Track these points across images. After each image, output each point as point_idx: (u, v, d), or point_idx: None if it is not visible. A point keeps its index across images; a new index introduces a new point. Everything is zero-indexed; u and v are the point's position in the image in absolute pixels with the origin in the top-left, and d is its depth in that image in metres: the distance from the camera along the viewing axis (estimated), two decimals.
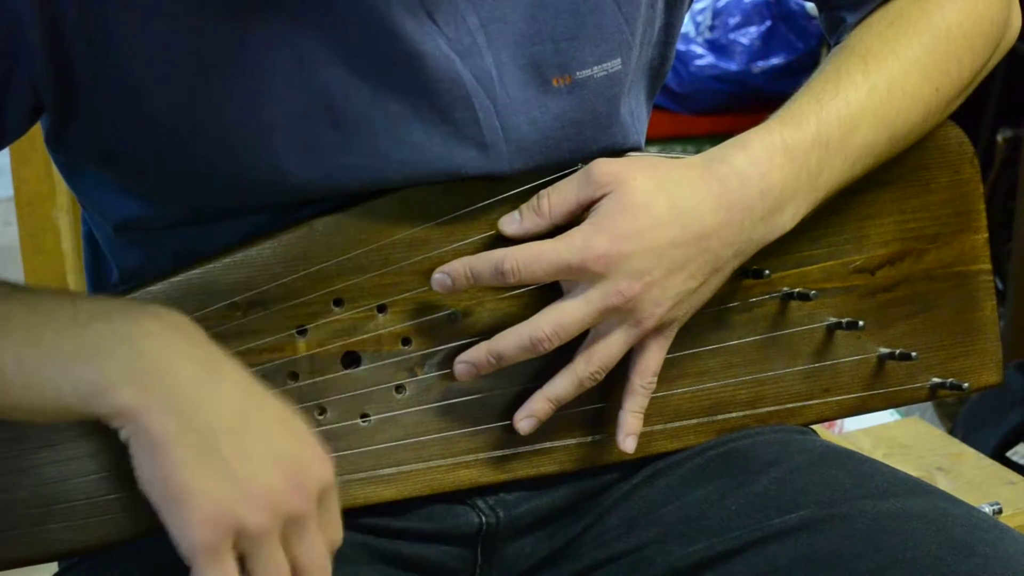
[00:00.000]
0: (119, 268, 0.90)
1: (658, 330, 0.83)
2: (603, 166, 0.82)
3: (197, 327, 0.74)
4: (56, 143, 0.84)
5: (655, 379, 0.85)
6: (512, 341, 0.81)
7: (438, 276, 0.82)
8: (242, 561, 0.69)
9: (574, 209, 0.82)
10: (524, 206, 0.83)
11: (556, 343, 0.81)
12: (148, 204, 0.84)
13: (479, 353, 0.82)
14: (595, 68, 0.85)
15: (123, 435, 0.70)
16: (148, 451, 0.69)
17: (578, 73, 0.84)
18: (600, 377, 0.83)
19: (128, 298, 0.79)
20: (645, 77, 0.92)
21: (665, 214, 0.81)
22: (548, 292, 0.83)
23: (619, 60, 0.86)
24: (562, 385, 0.83)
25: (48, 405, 0.70)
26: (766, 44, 3.17)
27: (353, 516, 0.84)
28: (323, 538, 0.72)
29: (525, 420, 0.84)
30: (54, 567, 0.86)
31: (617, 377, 0.85)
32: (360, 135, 0.80)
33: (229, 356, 0.74)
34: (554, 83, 0.84)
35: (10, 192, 1.85)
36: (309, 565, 0.71)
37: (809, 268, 0.92)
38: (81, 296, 0.75)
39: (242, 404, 0.71)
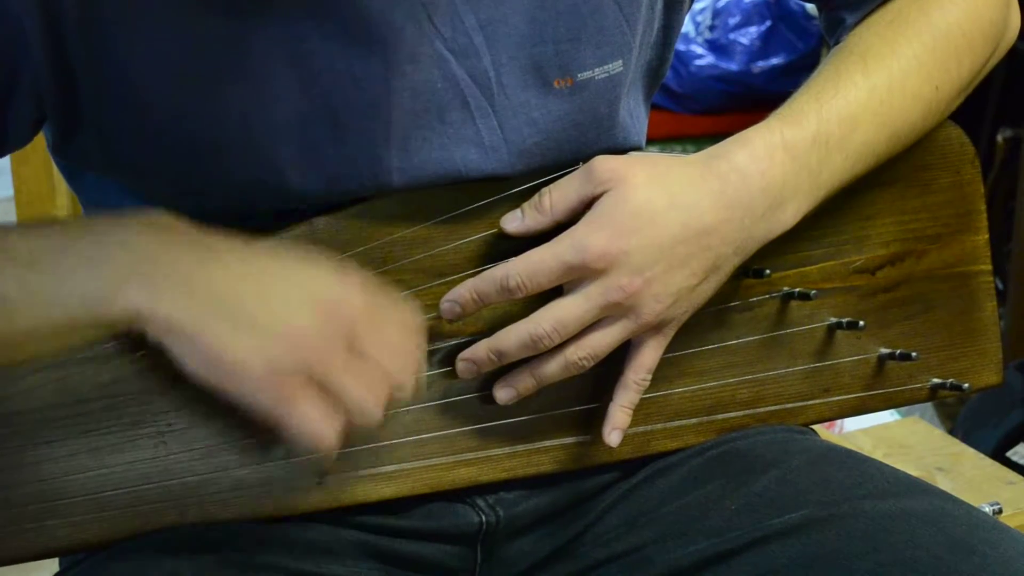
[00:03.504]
0: None
1: (657, 328, 0.83)
2: (604, 163, 0.82)
3: (184, 221, 0.75)
4: (60, 150, 0.84)
5: (649, 377, 0.85)
6: (513, 339, 0.81)
7: (446, 305, 0.82)
8: (327, 392, 0.72)
9: (575, 206, 0.82)
10: (526, 204, 0.84)
11: (557, 340, 0.81)
12: (150, 207, 0.84)
13: (480, 351, 0.82)
14: (596, 70, 0.85)
15: (151, 336, 0.71)
16: (182, 341, 0.71)
17: (579, 75, 0.85)
18: (588, 365, 0.83)
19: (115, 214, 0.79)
20: (644, 78, 0.92)
21: (665, 211, 0.81)
22: (548, 289, 0.83)
23: (620, 61, 0.86)
24: (550, 365, 0.83)
25: (59, 325, 0.71)
26: (766, 44, 3.18)
27: (353, 514, 0.84)
28: (388, 337, 0.74)
29: (504, 389, 0.84)
30: (55, 565, 0.86)
31: (619, 377, 0.85)
32: (360, 140, 0.80)
33: (221, 235, 0.75)
34: (555, 85, 0.84)
35: (10, 192, 1.85)
36: (386, 366, 0.74)
37: (809, 268, 0.93)
38: (68, 218, 0.76)
39: (248, 265, 0.73)
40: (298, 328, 0.71)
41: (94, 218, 0.76)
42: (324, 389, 0.72)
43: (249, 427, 0.79)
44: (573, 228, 0.81)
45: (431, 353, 0.84)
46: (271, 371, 0.71)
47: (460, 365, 0.83)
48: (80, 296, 0.70)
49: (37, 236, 0.73)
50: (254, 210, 0.82)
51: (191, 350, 0.71)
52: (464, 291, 0.82)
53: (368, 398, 0.73)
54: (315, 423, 0.72)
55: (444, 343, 0.84)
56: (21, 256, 0.72)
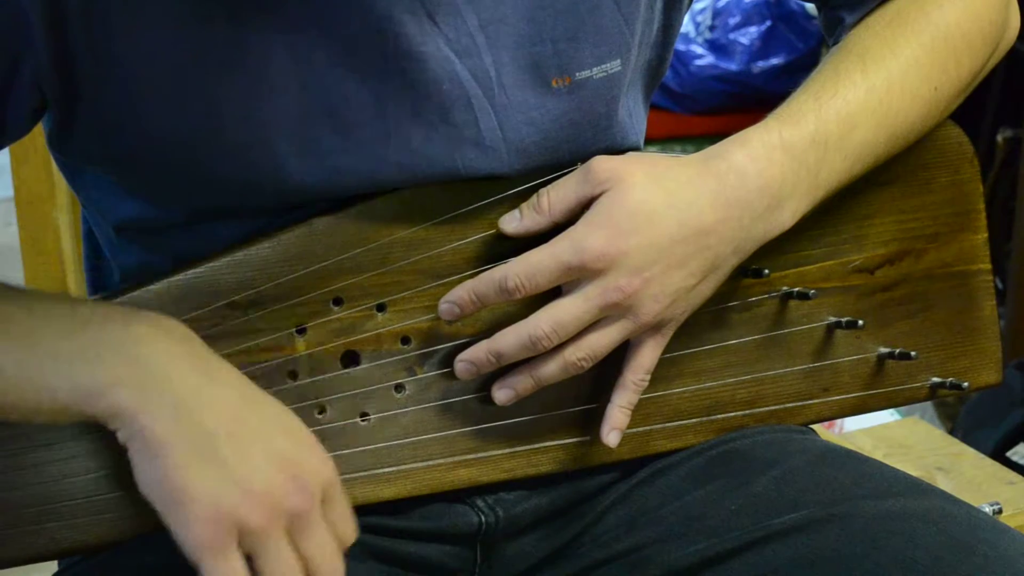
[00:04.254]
0: (119, 268, 0.90)
1: (655, 328, 0.83)
2: (602, 163, 0.82)
3: (192, 332, 0.75)
4: (58, 144, 0.84)
5: (647, 377, 0.85)
6: (512, 340, 0.81)
7: (445, 307, 0.82)
8: (252, 561, 0.70)
9: (573, 206, 0.82)
10: (524, 204, 0.84)
11: (556, 341, 0.81)
12: (149, 205, 0.84)
13: (479, 352, 0.82)
14: (594, 69, 0.85)
15: (121, 437, 0.71)
16: (146, 453, 0.70)
17: (577, 74, 0.84)
18: (587, 365, 0.83)
19: (126, 301, 0.79)
20: (643, 77, 0.92)
21: (663, 210, 0.81)
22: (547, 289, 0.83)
23: (619, 61, 0.86)
24: (548, 366, 0.83)
25: (45, 406, 0.71)
26: (766, 44, 3.17)
27: (353, 515, 0.84)
28: (332, 535, 0.73)
29: (503, 390, 0.84)
30: (54, 566, 0.86)
31: (618, 377, 0.85)
32: (359, 137, 0.80)
33: (225, 361, 0.74)
34: (553, 84, 0.84)
35: (10, 192, 1.85)
36: (318, 561, 0.72)
37: (808, 267, 0.92)
38: (78, 299, 0.76)
39: (238, 406, 0.72)
40: (261, 488, 0.70)
41: (102, 306, 0.75)
42: (252, 556, 0.70)
43: None
44: (571, 229, 0.81)
45: (430, 355, 0.84)
46: (216, 515, 0.69)
47: (459, 366, 0.83)
48: (71, 387, 0.70)
49: (41, 316, 0.73)
50: (252, 206, 0.82)
51: (151, 465, 0.70)
52: (463, 292, 0.82)
53: (326, 560, 0.72)
54: None
55: (443, 345, 0.84)
56: (21, 333, 0.72)
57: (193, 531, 0.69)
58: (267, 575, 0.70)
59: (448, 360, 0.84)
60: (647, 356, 0.84)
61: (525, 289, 0.81)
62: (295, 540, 0.71)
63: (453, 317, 0.83)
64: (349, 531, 0.74)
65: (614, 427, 0.85)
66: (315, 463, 0.73)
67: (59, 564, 0.87)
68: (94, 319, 0.73)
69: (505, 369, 0.84)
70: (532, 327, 0.81)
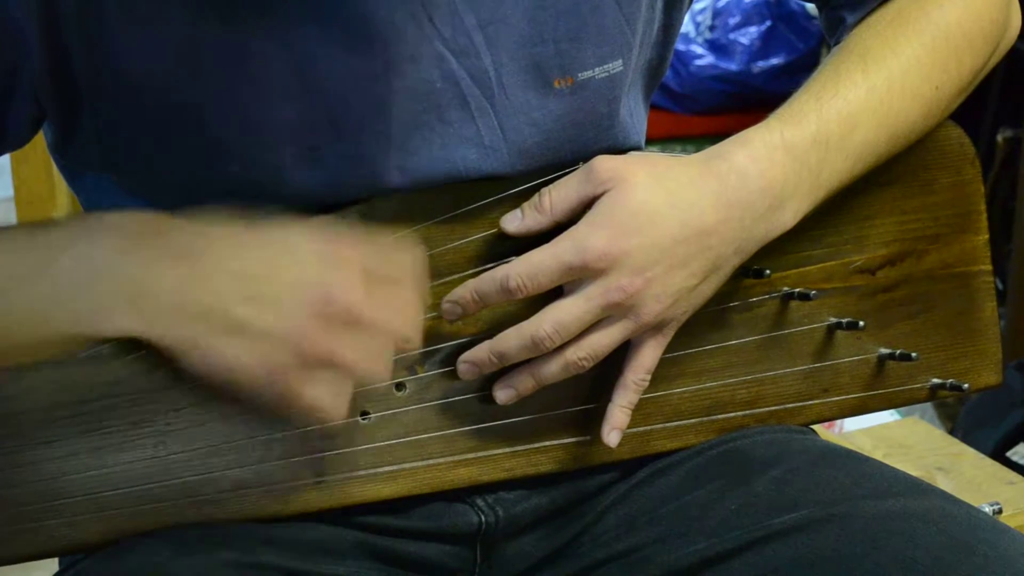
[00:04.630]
0: None
1: (656, 328, 0.83)
2: (604, 163, 0.82)
3: (157, 217, 0.75)
4: (60, 150, 0.84)
5: (648, 377, 0.85)
6: (514, 341, 0.81)
7: (447, 306, 0.82)
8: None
9: (575, 206, 0.82)
10: (526, 204, 0.83)
11: (558, 342, 0.81)
12: (149, 208, 0.84)
13: (481, 353, 0.82)
14: (596, 69, 0.85)
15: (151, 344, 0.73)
16: (179, 355, 0.73)
17: (580, 74, 0.84)
18: (588, 365, 0.83)
19: (81, 217, 0.79)
20: (643, 77, 0.92)
21: (665, 210, 0.81)
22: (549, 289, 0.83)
23: (620, 61, 0.86)
24: (549, 365, 0.83)
25: (49, 339, 0.73)
26: (766, 44, 3.18)
27: (352, 514, 0.84)
28: (390, 301, 0.75)
29: (504, 390, 0.84)
30: (54, 565, 0.86)
31: (618, 377, 0.85)
32: (360, 139, 0.80)
33: (188, 224, 0.75)
34: (555, 84, 0.84)
35: (10, 192, 1.85)
36: (391, 321, 0.75)
37: (809, 268, 0.92)
38: (46, 226, 0.76)
39: (232, 265, 0.73)
40: (291, 325, 0.72)
41: (71, 226, 0.76)
42: (328, 367, 0.73)
43: (249, 428, 0.79)
44: (573, 228, 0.81)
45: (431, 354, 0.84)
46: (271, 370, 0.72)
47: (461, 367, 0.83)
48: (68, 316, 0.72)
49: (13, 252, 0.74)
50: (253, 208, 0.82)
51: (192, 361, 0.73)
52: (465, 292, 0.82)
53: (373, 365, 0.75)
54: (324, 403, 0.73)
55: (445, 344, 0.84)
56: (1, 274, 0.73)
57: (266, 392, 0.72)
58: (351, 372, 0.73)
59: (449, 359, 0.84)
60: (648, 356, 0.84)
61: (527, 289, 0.81)
62: (357, 328, 0.73)
63: (455, 317, 0.83)
64: (410, 282, 0.76)
65: (615, 427, 0.85)
66: (327, 270, 0.74)
67: (59, 563, 0.87)
68: (62, 246, 0.73)
69: (506, 369, 0.84)
70: (534, 328, 0.81)
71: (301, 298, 0.73)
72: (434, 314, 0.84)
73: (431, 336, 0.84)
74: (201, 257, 0.73)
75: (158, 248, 0.73)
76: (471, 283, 0.82)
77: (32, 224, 0.76)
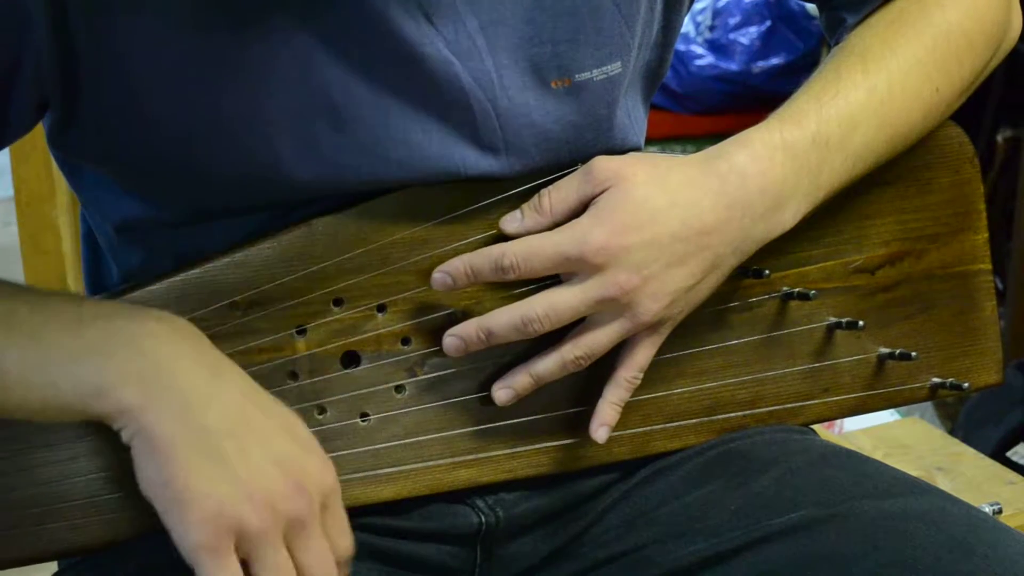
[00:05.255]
0: (120, 268, 0.90)
1: (652, 327, 0.83)
2: (603, 162, 0.82)
3: (198, 331, 0.75)
4: (58, 142, 0.84)
5: (640, 375, 0.85)
6: (504, 318, 0.81)
7: (438, 276, 0.82)
8: (247, 566, 0.70)
9: (575, 206, 0.82)
10: (525, 205, 0.84)
11: (547, 326, 0.81)
12: (149, 204, 0.84)
13: (469, 328, 0.82)
14: (595, 71, 0.85)
15: (125, 436, 0.71)
16: (149, 452, 0.70)
17: (577, 76, 0.84)
18: (585, 363, 0.83)
19: (130, 300, 0.79)
20: (642, 79, 0.92)
21: (665, 209, 0.81)
22: (542, 275, 0.83)
23: (619, 63, 0.86)
24: (546, 364, 0.83)
25: (49, 404, 0.71)
26: (766, 44, 3.17)
27: (353, 515, 0.84)
28: (328, 544, 0.72)
29: (503, 390, 0.84)
30: (54, 567, 0.86)
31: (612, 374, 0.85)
32: (359, 135, 0.80)
33: (230, 360, 0.74)
34: (553, 85, 0.84)
35: (10, 192, 1.85)
36: (314, 569, 0.71)
37: (809, 268, 0.92)
38: (85, 297, 0.76)
39: (243, 407, 0.72)
40: (262, 491, 0.70)
41: (107, 304, 0.75)
42: (248, 561, 0.70)
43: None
44: (575, 221, 0.81)
45: (430, 355, 0.84)
46: (218, 516, 0.69)
47: (447, 340, 0.83)
48: (76, 384, 0.70)
49: (46, 313, 0.72)
50: (252, 204, 0.82)
51: (153, 464, 0.70)
52: (458, 263, 0.82)
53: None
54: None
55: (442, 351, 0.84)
56: (25, 331, 0.72)
57: (192, 531, 0.69)
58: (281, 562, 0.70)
59: (449, 362, 0.84)
60: (642, 354, 0.84)
61: (520, 269, 0.81)
62: (292, 547, 0.71)
63: (445, 288, 0.82)
64: (347, 541, 0.74)
65: (603, 423, 0.85)
66: (317, 468, 0.73)
67: (59, 564, 0.87)
68: (99, 315, 0.72)
69: (505, 369, 0.84)
70: (525, 308, 0.81)
71: (285, 478, 0.71)
72: (434, 315, 0.84)
73: (432, 337, 0.84)
74: (223, 382, 0.73)
75: (189, 348, 0.73)
76: (466, 256, 0.82)
77: (66, 293, 0.75)
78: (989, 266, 0.98)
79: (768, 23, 3.18)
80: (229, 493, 0.69)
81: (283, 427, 0.73)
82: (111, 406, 0.70)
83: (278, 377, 0.81)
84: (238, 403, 0.72)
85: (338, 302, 0.83)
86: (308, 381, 0.82)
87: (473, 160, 0.83)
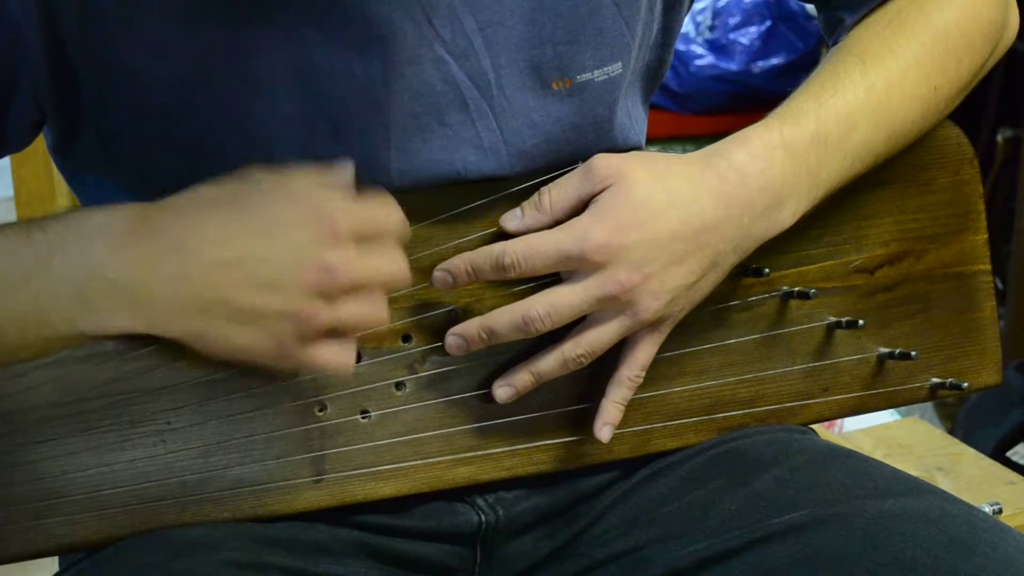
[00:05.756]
0: None
1: (653, 325, 0.83)
2: (603, 160, 0.82)
3: (143, 210, 0.75)
4: (63, 153, 0.84)
5: (642, 373, 0.85)
6: (505, 317, 0.81)
7: (439, 274, 0.82)
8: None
9: (575, 204, 0.82)
10: (525, 203, 0.84)
11: (548, 325, 0.81)
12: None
13: (471, 327, 0.82)
14: (595, 72, 0.85)
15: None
16: (188, 343, 0.74)
17: (578, 76, 0.84)
18: (585, 362, 0.83)
19: (71, 216, 0.78)
20: (642, 79, 0.92)
21: (665, 207, 0.81)
22: (542, 274, 0.83)
23: (619, 64, 0.86)
24: (547, 362, 0.83)
25: (49, 339, 0.74)
26: (766, 44, 3.17)
27: (352, 513, 0.84)
28: (387, 259, 0.77)
29: (504, 388, 0.84)
30: (55, 564, 0.86)
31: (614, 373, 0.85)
32: (359, 140, 0.80)
33: (176, 208, 0.75)
34: (554, 86, 0.84)
35: (10, 192, 1.85)
36: (388, 278, 0.77)
37: (809, 267, 0.93)
38: (35, 228, 0.75)
39: (226, 250, 0.74)
40: (293, 305, 0.73)
41: (58, 228, 0.75)
42: (332, 332, 0.75)
43: (249, 427, 0.79)
44: (575, 220, 0.81)
45: (431, 352, 0.84)
46: (279, 347, 0.74)
47: (449, 340, 0.83)
48: (67, 319, 0.73)
49: (7, 255, 0.74)
50: None
51: (201, 348, 0.75)
52: (459, 262, 0.82)
53: (373, 318, 0.76)
54: (333, 361, 0.76)
55: (444, 343, 0.84)
56: None
57: (278, 364, 0.75)
58: (352, 327, 0.76)
59: (449, 359, 0.84)
60: (643, 352, 0.84)
61: (520, 268, 0.81)
62: (352, 289, 0.75)
63: (445, 285, 0.82)
64: (396, 234, 0.78)
65: (607, 422, 0.85)
66: (317, 242, 0.74)
67: (60, 563, 0.87)
68: (54, 247, 0.74)
69: (505, 367, 0.84)
70: (526, 307, 0.81)
71: (301, 279, 0.74)
72: (435, 312, 0.84)
73: (432, 334, 0.84)
74: (193, 251, 0.74)
75: (148, 247, 0.74)
76: (466, 254, 0.82)
77: (17, 226, 0.75)
78: (989, 266, 0.98)
79: (768, 23, 3.18)
80: (268, 330, 0.74)
81: (269, 232, 0.74)
82: (116, 330, 0.74)
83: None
84: (219, 262, 0.74)
85: None
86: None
87: (473, 162, 0.83)
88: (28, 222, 0.76)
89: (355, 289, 0.75)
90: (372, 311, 0.77)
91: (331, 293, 0.74)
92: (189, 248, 0.74)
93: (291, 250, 0.74)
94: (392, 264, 0.77)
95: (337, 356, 0.76)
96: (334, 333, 0.75)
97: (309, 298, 0.74)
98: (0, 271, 0.73)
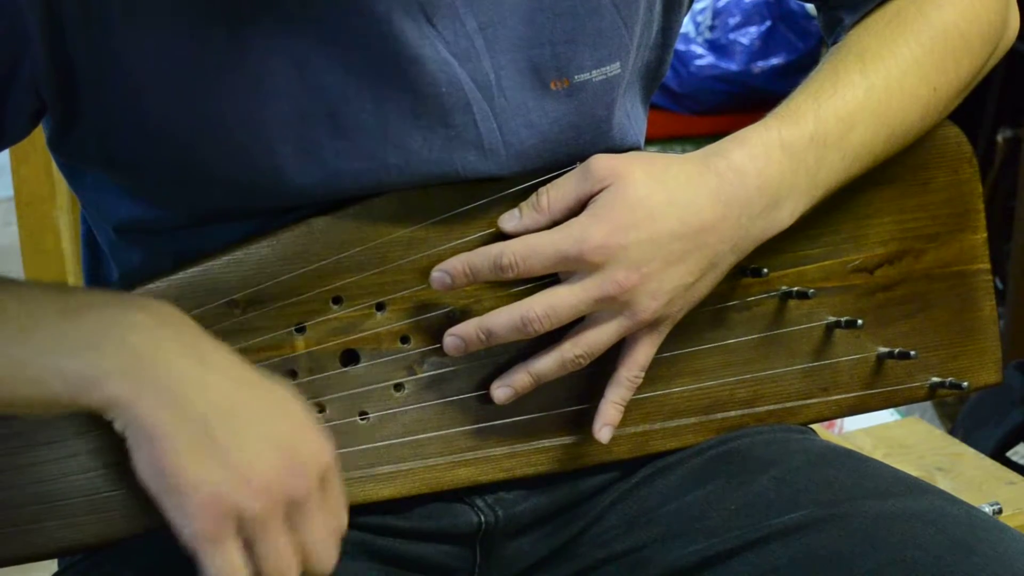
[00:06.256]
0: (119, 268, 0.90)
1: (652, 325, 0.83)
2: (601, 161, 0.82)
3: (186, 317, 0.74)
4: (58, 146, 0.84)
5: (642, 374, 0.85)
6: (503, 318, 0.81)
7: (437, 274, 0.82)
8: (249, 548, 0.70)
9: (573, 204, 0.82)
10: (524, 203, 0.84)
11: (547, 326, 0.81)
12: (149, 206, 0.84)
13: (469, 328, 0.82)
14: (594, 72, 0.85)
15: (117, 427, 0.71)
16: (143, 442, 0.70)
17: (576, 76, 0.84)
18: (584, 362, 0.83)
19: (118, 291, 0.79)
20: (641, 80, 0.92)
21: (663, 207, 0.81)
22: (540, 274, 0.83)
23: (618, 64, 0.86)
24: (546, 362, 0.83)
25: (38, 398, 0.71)
26: (766, 44, 3.17)
27: (352, 514, 0.84)
28: (327, 521, 0.72)
29: (502, 389, 0.84)
30: (53, 565, 0.86)
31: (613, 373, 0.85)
32: (358, 139, 0.80)
33: (220, 344, 0.74)
34: (552, 86, 0.84)
35: (10, 192, 1.85)
36: (314, 548, 0.72)
37: (808, 267, 0.93)
38: (72, 288, 0.75)
39: (233, 391, 0.72)
40: (259, 475, 0.70)
41: (95, 294, 0.75)
42: (249, 544, 0.70)
43: None
44: (573, 220, 0.81)
45: (429, 354, 0.84)
46: (215, 503, 0.69)
47: (447, 340, 0.83)
48: (64, 378, 0.70)
49: (33, 306, 0.72)
50: (252, 208, 0.82)
51: (149, 455, 0.70)
52: (457, 263, 0.82)
53: (285, 571, 0.71)
54: (230, 571, 0.70)
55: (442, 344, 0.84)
56: (12, 325, 0.71)
57: (191, 520, 0.69)
58: (265, 563, 0.70)
59: (448, 360, 0.84)
60: (642, 352, 0.84)
61: (518, 268, 0.81)
62: (291, 525, 0.71)
63: (443, 287, 0.82)
64: (342, 518, 0.74)
65: (606, 423, 0.85)
66: (313, 447, 0.72)
67: (58, 564, 0.87)
68: (85, 307, 0.72)
69: (503, 368, 0.84)
70: (525, 308, 0.81)
71: (280, 459, 0.71)
72: (434, 313, 0.84)
73: (431, 335, 0.84)
74: (213, 366, 0.72)
75: (174, 338, 0.72)
76: (464, 255, 0.82)
77: (51, 284, 0.74)
78: (988, 265, 0.98)
79: (768, 23, 3.18)
80: (225, 479, 0.69)
81: (276, 407, 0.73)
82: (101, 399, 0.70)
83: (277, 375, 0.81)
84: (227, 387, 0.72)
85: (337, 300, 0.83)
86: (307, 379, 0.82)
87: (472, 162, 0.83)
88: (62, 284, 0.75)
89: (293, 528, 0.71)
90: (286, 566, 0.71)
91: (286, 500, 0.70)
92: (208, 363, 0.72)
93: (289, 437, 0.72)
94: (329, 547, 0.73)
95: (234, 570, 0.70)
96: (246, 554, 0.70)
97: (273, 483, 0.70)
98: (18, 318, 0.71)
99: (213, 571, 0.69)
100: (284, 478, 0.70)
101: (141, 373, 0.70)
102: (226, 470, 0.69)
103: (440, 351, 0.83)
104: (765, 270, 0.90)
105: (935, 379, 0.96)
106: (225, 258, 0.81)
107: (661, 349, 0.86)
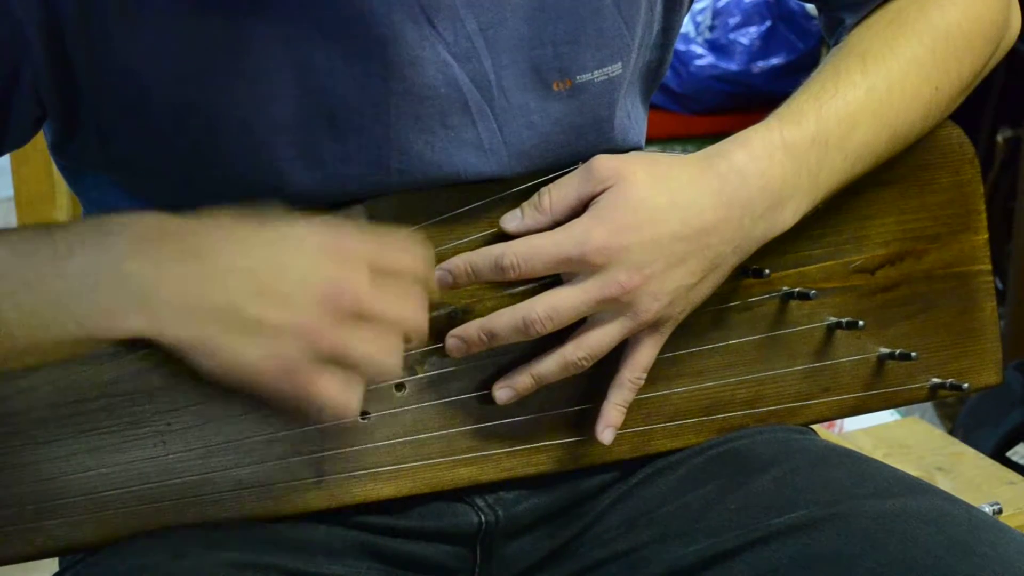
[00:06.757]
0: None
1: (654, 326, 0.83)
2: (603, 161, 0.82)
3: (164, 218, 0.75)
4: (60, 151, 0.84)
5: (644, 375, 0.85)
6: (505, 320, 0.81)
7: (439, 273, 0.82)
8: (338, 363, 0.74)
9: (575, 205, 0.82)
10: (525, 203, 0.84)
11: (549, 327, 0.81)
12: (149, 207, 0.84)
13: (471, 329, 0.82)
14: (595, 72, 0.85)
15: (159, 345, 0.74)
16: (190, 357, 0.73)
17: (578, 77, 0.84)
18: (587, 364, 0.83)
19: (97, 217, 0.79)
20: (642, 80, 0.92)
21: (666, 208, 0.81)
22: (542, 275, 0.83)
23: (619, 64, 0.86)
24: (548, 364, 0.83)
25: (63, 340, 0.73)
26: (766, 44, 3.17)
27: (352, 514, 0.84)
28: (399, 292, 0.75)
29: (504, 390, 0.84)
30: (54, 565, 0.86)
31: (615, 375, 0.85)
32: (359, 141, 0.80)
33: (204, 222, 0.75)
34: (554, 87, 0.84)
35: (10, 192, 1.85)
36: (403, 319, 0.75)
37: (809, 268, 0.93)
38: (55, 227, 0.75)
39: (242, 262, 0.73)
40: (303, 321, 0.72)
41: (75, 227, 0.75)
42: (339, 362, 0.73)
43: (249, 427, 0.79)
44: (575, 221, 0.81)
45: (431, 354, 0.84)
46: (283, 366, 0.72)
47: (449, 342, 0.83)
48: (77, 320, 0.72)
49: (25, 253, 0.73)
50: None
51: (206, 361, 0.73)
52: (459, 262, 0.82)
53: (382, 358, 0.75)
54: (336, 398, 0.74)
55: (444, 344, 0.84)
56: (12, 274, 0.72)
57: (279, 389, 0.73)
58: (361, 366, 0.74)
59: (449, 360, 0.84)
60: (644, 354, 0.84)
61: (520, 269, 0.81)
62: (366, 320, 0.74)
63: (444, 286, 0.82)
64: (416, 274, 0.77)
65: (609, 424, 0.85)
66: (334, 265, 0.74)
67: (59, 564, 0.87)
68: (73, 247, 0.73)
69: (505, 369, 0.84)
70: (527, 310, 0.81)
71: (311, 293, 0.73)
72: (435, 313, 0.84)
73: (432, 336, 0.84)
74: (209, 256, 0.73)
75: (166, 249, 0.73)
76: (466, 254, 0.82)
77: (39, 226, 0.75)
78: (989, 266, 0.98)
79: (768, 23, 3.18)
80: (276, 346, 0.72)
81: (287, 245, 0.74)
82: (124, 332, 0.72)
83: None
84: (234, 268, 0.73)
85: None
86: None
87: (474, 164, 0.83)
88: (49, 224, 0.76)
89: (368, 320, 0.74)
90: (381, 349, 0.75)
91: (342, 315, 0.73)
92: (205, 253, 0.74)
93: (306, 266, 0.74)
94: (405, 305, 0.76)
95: (340, 392, 0.74)
96: (341, 367, 0.74)
97: (317, 314, 0.73)
98: (17, 268, 0.73)
99: (322, 408, 0.73)
100: (325, 309, 0.73)
101: (153, 300, 0.72)
102: (274, 336, 0.72)
103: (441, 351, 0.84)
104: (767, 271, 0.90)
105: (935, 380, 0.96)
106: None
107: (662, 349, 0.86)
